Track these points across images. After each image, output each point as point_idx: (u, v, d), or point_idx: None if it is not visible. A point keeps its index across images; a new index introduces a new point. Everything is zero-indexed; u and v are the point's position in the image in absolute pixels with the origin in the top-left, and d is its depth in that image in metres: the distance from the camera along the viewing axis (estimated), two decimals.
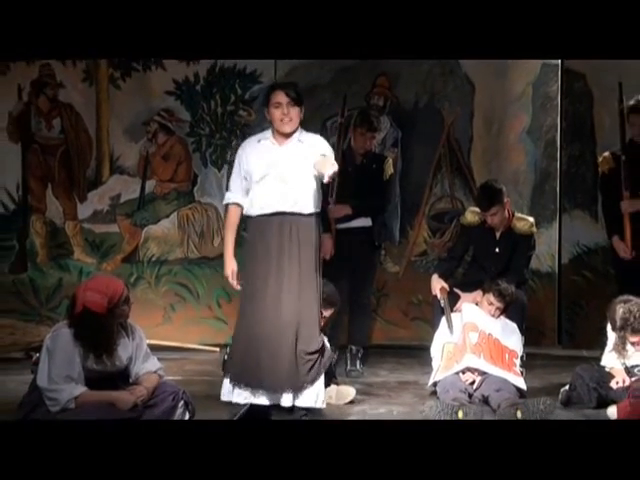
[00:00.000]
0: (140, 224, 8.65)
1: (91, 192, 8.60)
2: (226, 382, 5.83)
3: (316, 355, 5.73)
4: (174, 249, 8.69)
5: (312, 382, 5.73)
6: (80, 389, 5.32)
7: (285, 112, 5.77)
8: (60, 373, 5.31)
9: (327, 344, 6.04)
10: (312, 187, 5.81)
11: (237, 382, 5.76)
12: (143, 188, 8.63)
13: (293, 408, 5.78)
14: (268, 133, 5.92)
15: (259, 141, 5.91)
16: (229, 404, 6.25)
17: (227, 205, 6.05)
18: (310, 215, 5.81)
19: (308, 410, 5.84)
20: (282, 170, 5.78)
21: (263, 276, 5.74)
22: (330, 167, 5.50)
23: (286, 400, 5.72)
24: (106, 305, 5.36)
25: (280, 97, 5.79)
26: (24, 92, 8.44)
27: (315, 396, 5.76)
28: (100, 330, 5.38)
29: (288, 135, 5.83)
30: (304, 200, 5.78)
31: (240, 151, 6.00)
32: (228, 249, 5.95)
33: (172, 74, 8.58)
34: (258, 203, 5.80)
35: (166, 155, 8.66)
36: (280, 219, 5.75)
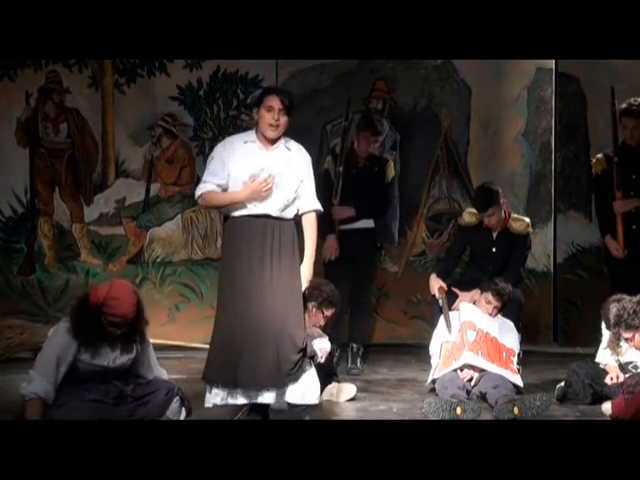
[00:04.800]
0: (145, 226, 8.73)
1: (97, 195, 8.67)
2: (207, 388, 5.77)
3: (300, 354, 5.66)
4: (178, 250, 8.76)
5: (295, 380, 5.67)
6: (40, 391, 5.33)
7: (276, 118, 5.65)
8: (42, 364, 5.40)
9: (325, 343, 6.08)
10: (297, 194, 5.76)
11: (214, 383, 5.70)
12: (148, 191, 8.70)
13: (290, 405, 5.73)
14: (252, 135, 5.76)
15: (245, 142, 5.76)
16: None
17: (204, 193, 5.73)
18: (291, 220, 5.78)
19: (306, 407, 5.77)
20: (272, 175, 5.66)
21: (246, 276, 5.66)
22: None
23: (267, 398, 5.66)
24: (100, 301, 5.38)
25: (274, 102, 5.66)
26: (32, 98, 8.53)
27: (301, 393, 5.69)
28: (87, 320, 5.41)
29: (273, 141, 5.74)
30: (291, 206, 5.74)
31: (221, 148, 5.79)
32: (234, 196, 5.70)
33: (176, 80, 8.65)
34: (244, 204, 5.68)
35: (170, 159, 8.72)
36: (264, 221, 5.68)
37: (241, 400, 5.70)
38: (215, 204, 5.84)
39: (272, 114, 5.66)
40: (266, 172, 5.66)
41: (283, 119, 5.69)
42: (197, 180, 8.65)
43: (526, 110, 8.76)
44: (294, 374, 5.67)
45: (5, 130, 8.52)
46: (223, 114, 8.75)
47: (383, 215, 7.94)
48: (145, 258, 8.75)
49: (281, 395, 5.68)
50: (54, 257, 8.66)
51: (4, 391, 6.68)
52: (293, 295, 5.72)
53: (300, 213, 5.83)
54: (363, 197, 7.60)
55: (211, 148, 8.60)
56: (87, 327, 5.43)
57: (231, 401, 5.71)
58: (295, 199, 5.77)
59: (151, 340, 5.83)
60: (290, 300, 5.70)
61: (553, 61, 8.66)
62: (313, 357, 5.99)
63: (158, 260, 8.76)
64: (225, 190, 5.73)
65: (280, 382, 5.65)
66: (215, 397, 5.72)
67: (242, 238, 5.70)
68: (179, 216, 8.77)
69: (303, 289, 5.79)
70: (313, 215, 5.86)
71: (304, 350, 5.72)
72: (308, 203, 5.83)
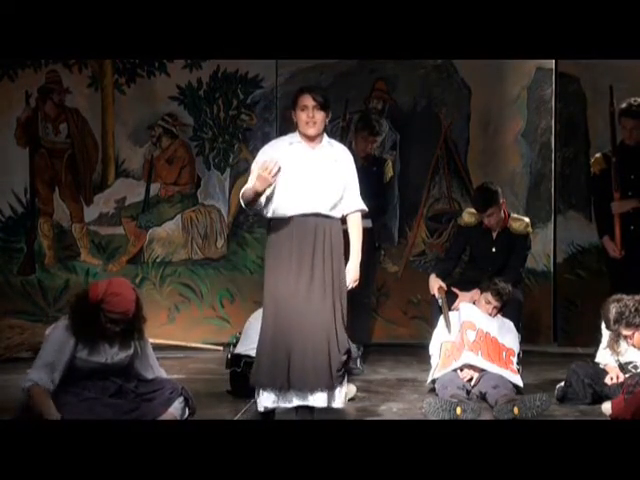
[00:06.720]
0: (145, 226, 8.74)
1: (97, 195, 8.69)
2: (257, 391, 5.77)
3: (346, 356, 5.72)
4: (178, 250, 8.77)
5: (341, 383, 5.73)
6: (37, 379, 5.36)
7: (311, 115, 5.72)
8: (41, 363, 5.43)
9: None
10: (344, 191, 5.83)
11: (265, 386, 5.70)
12: (148, 191, 8.72)
13: (328, 409, 5.74)
14: (296, 137, 5.83)
15: (291, 144, 5.81)
16: (232, 402, 6.37)
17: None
18: (338, 219, 5.83)
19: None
20: (321, 172, 5.75)
21: (295, 276, 5.69)
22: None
23: (319, 400, 5.67)
24: (100, 298, 5.41)
25: (307, 100, 5.74)
26: (32, 98, 8.54)
27: (344, 396, 5.78)
28: (86, 317, 5.45)
29: (314, 138, 5.80)
30: (339, 205, 5.80)
31: (268, 149, 5.83)
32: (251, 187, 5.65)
33: (176, 80, 8.67)
34: (295, 203, 5.70)
35: (170, 159, 8.73)
36: (315, 220, 5.72)
37: (294, 402, 5.69)
38: (247, 201, 5.75)
39: (307, 112, 5.75)
40: (315, 170, 5.73)
41: (318, 115, 5.76)
42: (197, 180, 8.79)
43: (526, 110, 8.76)
44: (341, 375, 5.71)
45: (5, 130, 8.54)
46: (223, 114, 8.76)
47: (382, 215, 7.94)
48: (145, 258, 8.77)
49: (332, 397, 5.70)
50: (54, 257, 8.67)
51: (4, 391, 6.68)
52: (341, 295, 5.76)
53: (345, 213, 5.88)
54: (361, 197, 7.57)
55: (211, 148, 8.75)
56: (86, 324, 5.45)
57: (283, 404, 5.72)
58: (342, 198, 5.83)
59: (151, 340, 5.85)
60: (338, 301, 5.73)
61: (553, 61, 8.66)
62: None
63: (158, 260, 8.78)
64: (270, 195, 5.71)
65: (331, 383, 5.67)
66: (267, 400, 5.72)
67: (294, 237, 5.72)
68: (179, 216, 8.78)
69: (350, 288, 5.82)
70: (359, 215, 5.94)
71: (349, 351, 5.77)
72: (354, 203, 5.91)
